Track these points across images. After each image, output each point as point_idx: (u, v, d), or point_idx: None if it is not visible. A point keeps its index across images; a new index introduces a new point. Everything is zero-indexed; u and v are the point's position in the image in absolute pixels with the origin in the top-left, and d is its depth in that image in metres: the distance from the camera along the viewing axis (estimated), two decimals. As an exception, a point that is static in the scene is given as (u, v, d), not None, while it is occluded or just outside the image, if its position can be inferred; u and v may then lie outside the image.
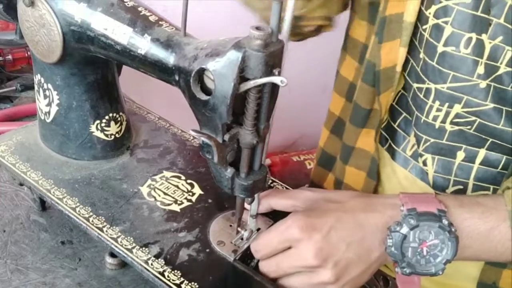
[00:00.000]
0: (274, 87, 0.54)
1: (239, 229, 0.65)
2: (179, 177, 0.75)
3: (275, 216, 0.69)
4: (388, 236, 0.56)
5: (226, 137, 0.55)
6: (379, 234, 0.57)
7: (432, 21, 0.62)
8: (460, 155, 0.67)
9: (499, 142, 0.64)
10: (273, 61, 0.51)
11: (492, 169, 0.66)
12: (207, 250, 0.64)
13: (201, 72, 0.54)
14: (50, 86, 0.72)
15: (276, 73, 0.51)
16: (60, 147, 0.76)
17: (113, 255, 0.68)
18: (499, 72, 0.60)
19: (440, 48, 0.62)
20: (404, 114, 0.71)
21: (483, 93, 0.62)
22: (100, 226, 0.66)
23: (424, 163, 0.69)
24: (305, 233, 0.56)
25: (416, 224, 0.55)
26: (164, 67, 0.59)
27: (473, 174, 0.67)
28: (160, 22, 0.62)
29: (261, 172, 0.59)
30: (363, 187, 0.78)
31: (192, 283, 0.60)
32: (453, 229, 0.55)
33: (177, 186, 0.73)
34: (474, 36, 0.60)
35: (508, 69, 0.59)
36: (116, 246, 0.63)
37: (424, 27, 0.64)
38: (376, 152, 0.75)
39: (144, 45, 0.60)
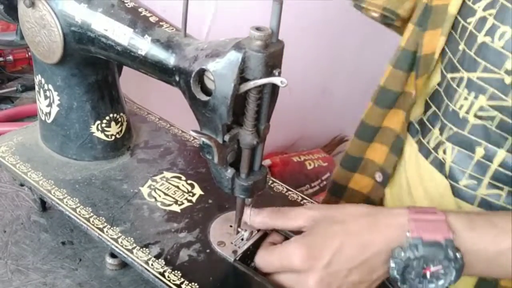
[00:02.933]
0: (274, 88, 0.54)
1: (239, 229, 0.65)
2: (179, 178, 0.75)
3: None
4: (391, 258, 0.56)
5: (226, 137, 0.55)
6: (383, 255, 0.57)
7: (479, 14, 0.64)
8: (480, 152, 0.67)
9: None
10: (273, 61, 0.51)
11: (510, 173, 0.66)
12: (208, 251, 0.64)
13: (202, 72, 0.55)
14: (50, 86, 0.72)
15: (276, 73, 0.52)
16: (61, 148, 0.76)
17: (113, 255, 0.68)
18: None
19: (480, 39, 0.64)
20: (434, 108, 0.74)
21: (507, 89, 0.62)
22: (101, 226, 0.66)
23: (444, 152, 0.70)
24: (306, 264, 0.56)
25: (421, 254, 0.55)
26: (164, 68, 0.59)
27: (489, 173, 0.67)
28: (160, 23, 0.62)
29: (261, 173, 0.59)
30: (384, 162, 0.81)
31: (192, 283, 0.60)
32: (458, 257, 0.55)
33: (177, 187, 0.73)
34: (509, 30, 0.61)
35: None
36: (116, 247, 0.63)
37: (469, 20, 0.66)
38: (404, 132, 0.77)
39: (144, 46, 0.60)
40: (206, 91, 0.55)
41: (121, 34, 0.62)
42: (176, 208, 0.70)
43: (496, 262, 0.56)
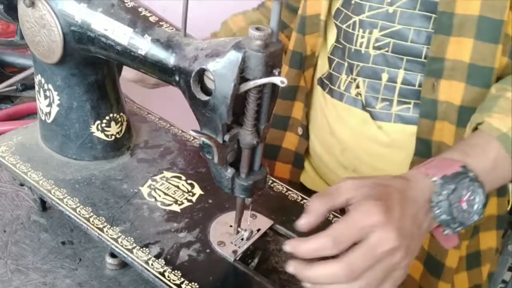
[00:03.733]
0: (274, 87, 0.54)
1: (239, 229, 0.65)
2: (179, 178, 0.75)
3: (277, 216, 0.69)
4: (433, 207, 0.60)
5: (226, 137, 0.55)
6: (426, 206, 0.60)
7: None
8: (385, 76, 0.82)
9: (412, 58, 0.79)
10: (273, 61, 0.51)
11: (411, 87, 0.81)
12: (208, 251, 0.64)
13: (201, 72, 0.55)
14: (50, 86, 0.72)
15: (276, 73, 0.52)
16: (61, 148, 0.76)
17: (113, 255, 0.68)
18: None
19: None
20: (337, 60, 0.88)
21: (393, 16, 0.78)
22: (101, 226, 0.66)
23: (357, 86, 0.85)
24: (386, 217, 0.54)
25: (454, 187, 0.59)
26: (164, 68, 0.59)
27: (396, 92, 0.82)
28: (160, 23, 0.62)
29: (261, 172, 0.59)
30: (302, 117, 0.96)
31: (192, 283, 0.60)
32: (476, 176, 0.61)
33: (177, 187, 0.73)
34: None
35: None
36: (116, 247, 0.63)
37: None
38: (305, 85, 0.94)
39: (144, 45, 0.60)
40: (206, 91, 0.55)
41: (121, 33, 0.62)
42: (176, 208, 0.70)
43: (495, 169, 0.65)
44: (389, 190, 0.59)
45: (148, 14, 0.63)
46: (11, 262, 0.68)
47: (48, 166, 0.74)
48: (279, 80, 0.51)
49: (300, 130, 0.97)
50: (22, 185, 0.76)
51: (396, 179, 0.61)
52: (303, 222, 0.57)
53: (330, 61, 0.90)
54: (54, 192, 0.70)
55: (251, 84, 0.51)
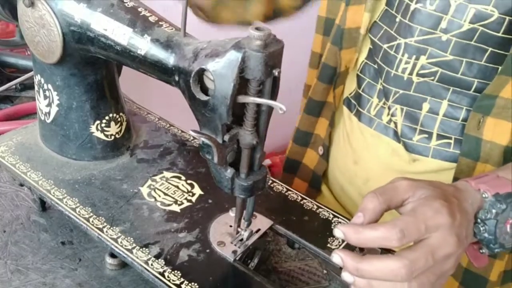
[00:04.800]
0: (274, 87, 0.54)
1: (239, 229, 0.65)
2: (179, 178, 0.75)
3: (277, 216, 0.69)
4: (479, 223, 0.58)
5: (226, 137, 0.55)
6: (473, 220, 0.58)
7: None
8: (426, 106, 0.76)
9: (459, 89, 0.74)
10: (273, 61, 0.51)
11: (454, 121, 0.75)
12: (207, 251, 0.64)
13: (201, 72, 0.55)
14: (50, 86, 0.72)
15: (276, 73, 0.52)
16: (60, 148, 0.76)
17: (113, 255, 0.68)
18: (463, 29, 0.70)
19: (412, 6, 0.73)
20: (367, 79, 0.82)
21: (445, 45, 0.72)
22: (100, 226, 0.66)
23: (393, 114, 0.79)
24: (450, 219, 0.53)
25: (505, 207, 0.57)
26: (164, 68, 0.59)
27: (437, 124, 0.77)
28: (160, 23, 0.62)
29: (261, 173, 0.59)
30: (325, 136, 0.91)
31: (192, 283, 0.60)
32: None
33: (177, 187, 0.73)
34: None
35: (471, 25, 0.69)
36: (116, 247, 0.63)
37: None
38: (335, 104, 0.88)
39: (144, 45, 0.60)
40: (206, 91, 0.55)
41: (120, 33, 0.62)
42: (175, 208, 0.70)
43: None
44: (448, 195, 0.57)
45: (148, 14, 0.63)
46: (11, 262, 0.68)
47: (47, 166, 0.74)
48: (279, 107, 0.51)
49: (321, 150, 0.92)
50: (21, 185, 0.76)
51: (449, 186, 0.59)
52: (360, 221, 0.54)
53: (360, 79, 0.84)
54: (53, 192, 0.70)
55: (250, 99, 0.52)
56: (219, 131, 0.55)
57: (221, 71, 0.52)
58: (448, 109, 0.75)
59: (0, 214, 0.75)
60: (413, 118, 0.77)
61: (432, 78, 0.74)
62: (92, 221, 0.66)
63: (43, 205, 0.76)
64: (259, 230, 0.67)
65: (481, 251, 0.60)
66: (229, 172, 0.58)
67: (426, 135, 0.77)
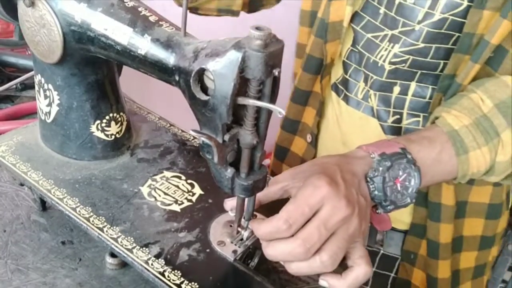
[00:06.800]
0: (274, 87, 0.54)
1: (239, 229, 0.65)
2: (179, 177, 0.75)
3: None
4: (368, 182, 0.61)
5: (226, 137, 0.55)
6: (362, 180, 0.61)
7: None
8: (396, 89, 0.81)
9: (426, 72, 0.78)
10: (273, 61, 0.51)
11: (421, 99, 0.80)
12: (207, 250, 0.64)
13: (201, 72, 0.55)
14: (50, 86, 0.72)
15: (276, 73, 0.52)
16: (61, 147, 0.76)
17: (113, 255, 0.68)
18: (434, 19, 0.73)
19: (397, 0, 0.77)
20: (354, 65, 0.85)
21: (417, 34, 0.75)
22: (101, 226, 0.66)
23: (370, 98, 0.84)
24: (332, 187, 0.56)
25: (390, 164, 0.61)
26: (164, 67, 0.59)
27: (406, 104, 0.81)
28: (160, 22, 0.62)
29: (261, 172, 0.59)
30: (312, 124, 0.93)
31: (192, 283, 0.60)
32: (414, 159, 0.63)
33: (177, 186, 0.73)
34: None
35: (442, 15, 0.73)
36: (116, 246, 0.63)
37: None
38: (324, 94, 0.91)
39: (144, 45, 0.60)
40: (206, 91, 0.55)
41: (120, 33, 0.62)
42: (176, 207, 0.70)
43: (439, 161, 0.67)
44: (326, 165, 0.61)
45: (148, 14, 0.63)
46: (11, 262, 0.68)
47: (48, 166, 0.74)
48: (278, 111, 0.51)
49: (309, 137, 0.95)
50: (22, 185, 0.76)
51: (332, 156, 0.64)
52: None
53: (346, 66, 0.87)
54: (54, 192, 0.70)
55: (249, 102, 0.52)
56: (219, 131, 0.55)
57: (221, 70, 0.52)
58: (416, 89, 0.80)
59: (0, 214, 0.75)
60: (386, 101, 0.82)
61: (403, 65, 0.78)
62: (92, 221, 0.66)
63: (44, 205, 0.76)
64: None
65: (377, 211, 0.63)
66: (229, 171, 0.58)
67: (398, 116, 0.82)
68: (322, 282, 0.59)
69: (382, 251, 0.91)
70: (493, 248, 0.90)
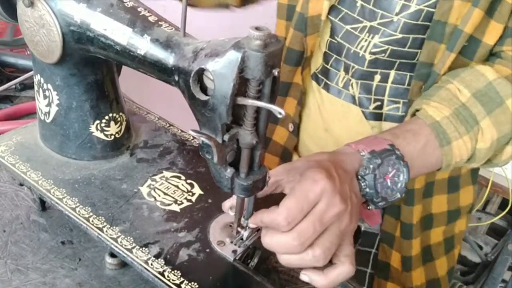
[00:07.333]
0: (274, 87, 0.54)
1: (239, 229, 0.65)
2: (179, 177, 0.75)
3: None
4: (360, 180, 0.63)
5: (226, 137, 0.55)
6: (354, 178, 0.62)
7: None
8: (377, 78, 0.84)
9: (405, 61, 0.81)
10: (273, 61, 0.51)
11: (400, 86, 0.83)
12: (207, 250, 0.64)
13: (201, 72, 0.55)
14: (49, 86, 0.72)
15: (275, 73, 0.52)
16: (60, 147, 0.76)
17: (113, 255, 0.68)
18: (411, 10, 0.76)
19: None
20: (334, 56, 0.88)
21: (395, 25, 0.78)
22: (100, 226, 0.66)
23: (352, 87, 0.86)
24: (330, 180, 0.57)
25: (380, 162, 0.63)
26: (163, 68, 0.59)
27: (387, 91, 0.84)
28: (159, 23, 0.62)
29: (261, 172, 0.59)
30: (294, 114, 0.94)
31: (192, 283, 0.60)
32: (402, 155, 0.65)
33: (177, 186, 0.73)
34: None
35: (417, 7, 0.75)
36: (116, 246, 0.63)
37: None
38: (302, 84, 0.93)
39: (143, 45, 0.60)
40: (205, 91, 0.55)
41: (120, 33, 0.62)
42: (175, 207, 0.70)
43: (424, 154, 0.68)
44: (322, 162, 0.61)
45: (148, 14, 0.63)
46: (11, 262, 0.68)
47: (47, 166, 0.74)
48: (277, 111, 0.52)
49: (291, 127, 0.97)
50: (21, 185, 0.76)
51: (325, 153, 0.64)
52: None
53: (327, 56, 0.90)
54: (53, 192, 0.70)
55: (248, 102, 0.52)
56: (218, 131, 0.55)
57: (220, 71, 0.52)
58: (395, 76, 0.83)
59: (0, 214, 0.75)
60: (367, 89, 0.85)
61: (383, 55, 0.81)
62: (92, 221, 0.66)
63: (43, 205, 0.76)
64: (259, 229, 0.67)
65: (368, 207, 0.64)
66: (229, 171, 0.58)
67: (379, 103, 0.85)
68: (303, 276, 0.60)
69: (363, 228, 0.93)
70: (458, 221, 0.93)
